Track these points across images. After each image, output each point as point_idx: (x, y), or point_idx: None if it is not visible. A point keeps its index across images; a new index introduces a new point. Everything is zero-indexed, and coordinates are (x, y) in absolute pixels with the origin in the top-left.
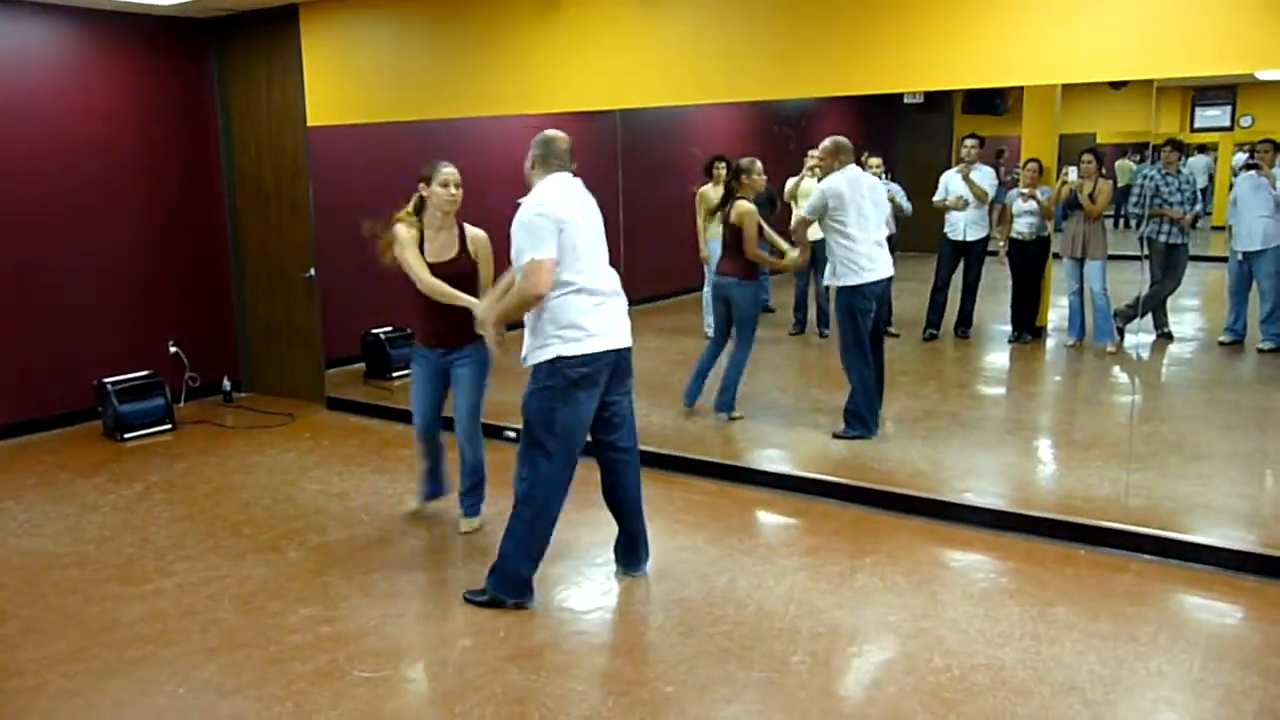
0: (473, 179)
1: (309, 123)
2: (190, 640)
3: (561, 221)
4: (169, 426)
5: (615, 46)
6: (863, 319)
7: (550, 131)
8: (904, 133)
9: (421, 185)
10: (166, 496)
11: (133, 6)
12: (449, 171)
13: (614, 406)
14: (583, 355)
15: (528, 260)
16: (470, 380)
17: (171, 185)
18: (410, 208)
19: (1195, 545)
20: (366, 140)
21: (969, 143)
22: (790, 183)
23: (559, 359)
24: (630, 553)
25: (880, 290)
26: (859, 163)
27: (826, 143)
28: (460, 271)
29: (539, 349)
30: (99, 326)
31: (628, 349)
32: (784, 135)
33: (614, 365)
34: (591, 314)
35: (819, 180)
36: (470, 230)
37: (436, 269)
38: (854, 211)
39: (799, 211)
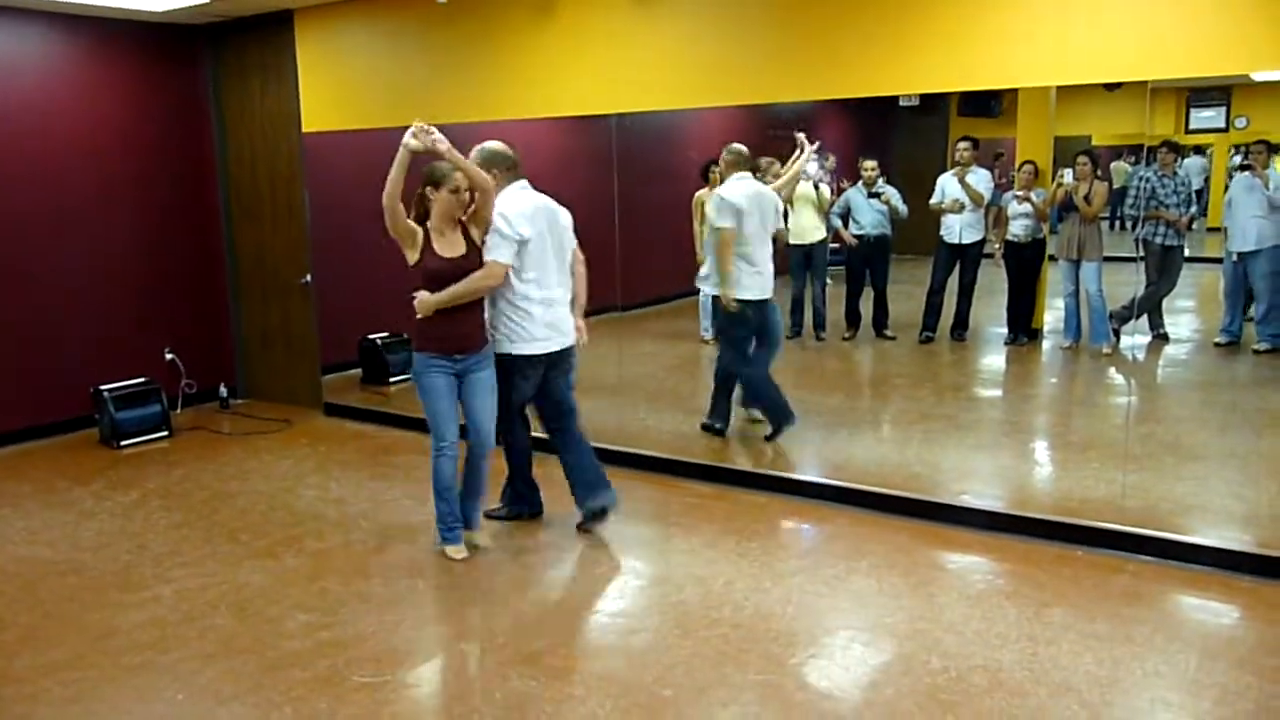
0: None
1: (304, 128)
2: (188, 647)
3: (524, 238)
4: (165, 433)
5: (610, 51)
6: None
7: (493, 143)
8: (899, 135)
9: (429, 189)
10: (164, 503)
11: (127, 13)
12: (460, 177)
13: (556, 381)
14: (525, 355)
15: (491, 260)
16: (491, 386)
17: (166, 191)
18: (415, 214)
19: (1191, 546)
20: (362, 146)
21: (962, 146)
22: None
23: (506, 355)
24: (588, 486)
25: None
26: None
27: (725, 152)
28: (472, 267)
29: (497, 342)
30: (94, 333)
31: (567, 348)
32: (779, 139)
33: (553, 358)
34: (535, 321)
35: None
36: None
37: (446, 264)
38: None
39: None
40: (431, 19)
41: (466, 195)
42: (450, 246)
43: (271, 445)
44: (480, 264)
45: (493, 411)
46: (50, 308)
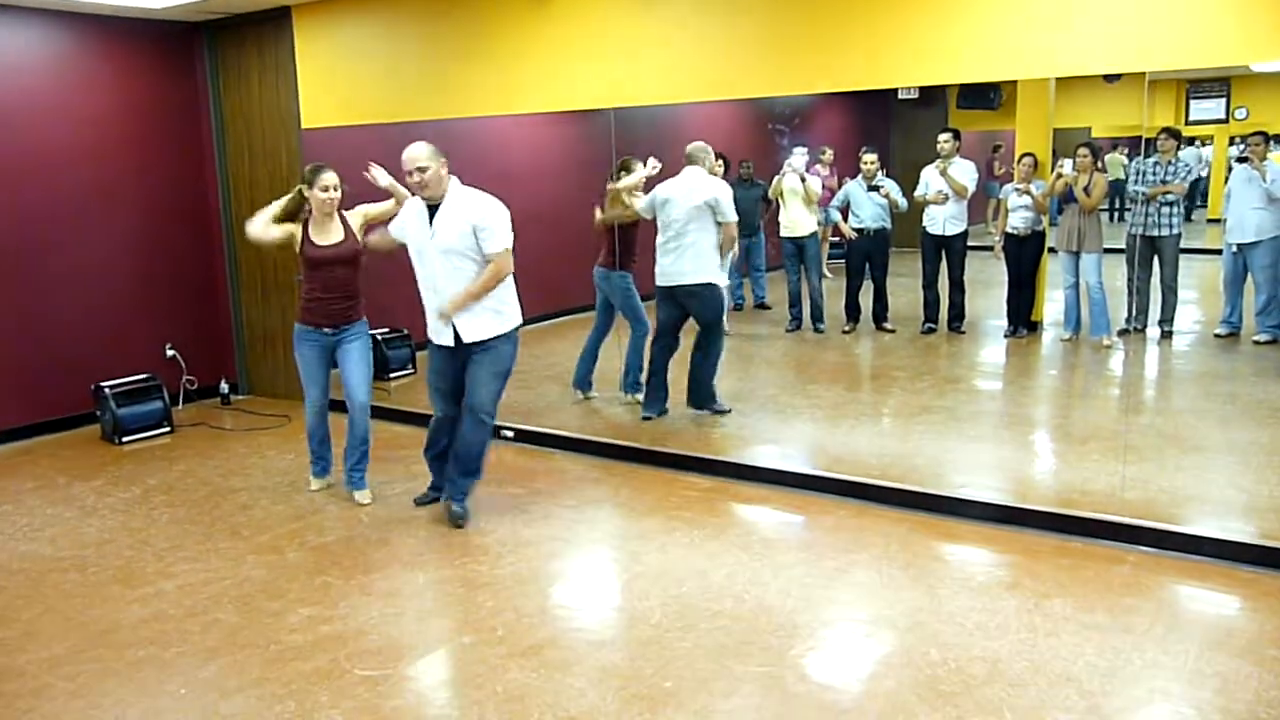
0: (468, 179)
1: (303, 125)
2: (191, 641)
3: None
4: (167, 429)
5: (608, 45)
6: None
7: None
8: (899, 128)
9: (304, 187)
10: (165, 499)
11: (124, 9)
12: (328, 177)
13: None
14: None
15: (505, 248)
16: (362, 354)
17: (166, 188)
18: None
19: (1191, 537)
20: (361, 142)
21: (943, 138)
22: (776, 179)
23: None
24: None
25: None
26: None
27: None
28: (345, 254)
29: (508, 321)
30: (96, 330)
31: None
32: (778, 132)
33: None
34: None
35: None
36: (349, 216)
37: (325, 250)
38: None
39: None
40: (430, 14)
41: (336, 194)
42: (328, 236)
43: (273, 441)
44: (353, 250)
45: (366, 378)
46: (51, 304)
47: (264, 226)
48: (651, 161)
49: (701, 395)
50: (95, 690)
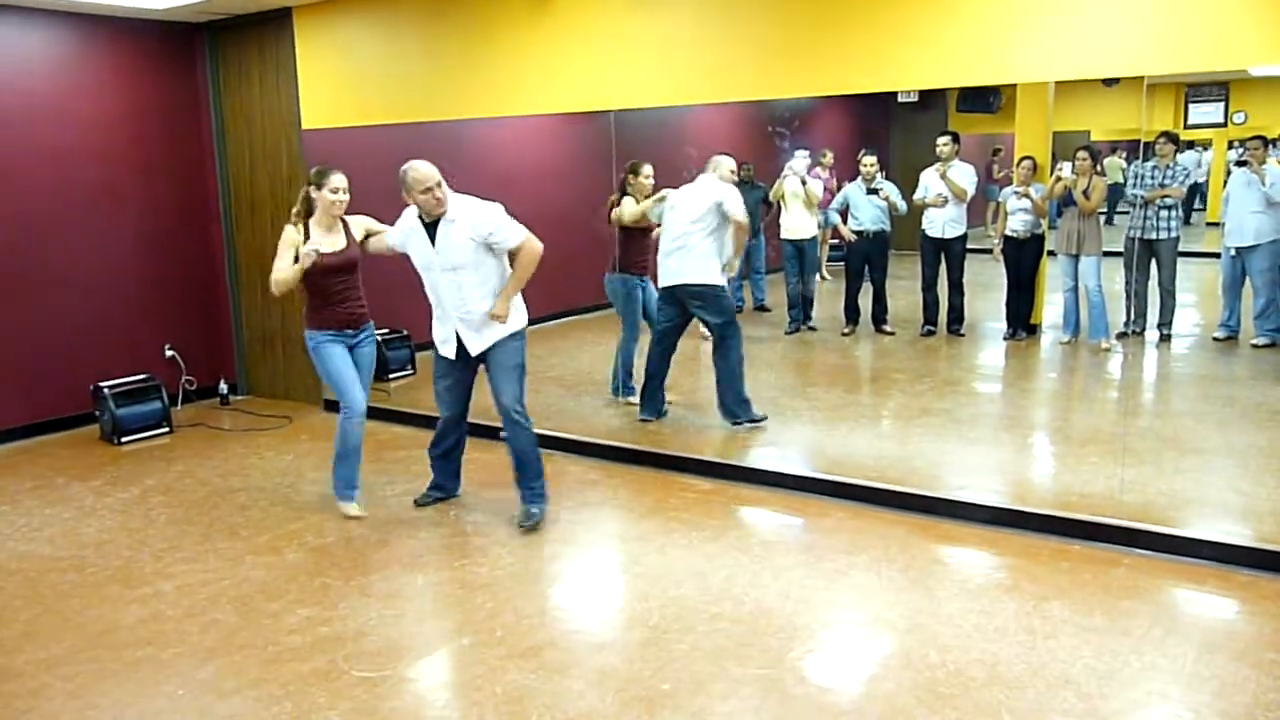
0: (464, 182)
1: (303, 125)
2: (189, 642)
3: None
4: (166, 430)
5: (608, 47)
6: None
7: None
8: (899, 131)
9: (312, 189)
10: (164, 499)
11: (125, 10)
12: (337, 178)
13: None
14: None
15: (524, 235)
16: (371, 359)
17: (167, 189)
18: (298, 208)
19: (1190, 540)
20: (361, 143)
21: (942, 141)
22: (777, 182)
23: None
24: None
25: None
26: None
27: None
28: (347, 263)
29: (512, 324)
30: (95, 331)
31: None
32: (778, 135)
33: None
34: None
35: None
36: (351, 223)
37: (328, 257)
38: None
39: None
40: (430, 15)
41: (345, 196)
42: (331, 242)
43: (272, 441)
44: (356, 256)
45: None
46: (51, 305)
47: (285, 266)
48: (662, 193)
49: (729, 404)
50: (93, 690)
